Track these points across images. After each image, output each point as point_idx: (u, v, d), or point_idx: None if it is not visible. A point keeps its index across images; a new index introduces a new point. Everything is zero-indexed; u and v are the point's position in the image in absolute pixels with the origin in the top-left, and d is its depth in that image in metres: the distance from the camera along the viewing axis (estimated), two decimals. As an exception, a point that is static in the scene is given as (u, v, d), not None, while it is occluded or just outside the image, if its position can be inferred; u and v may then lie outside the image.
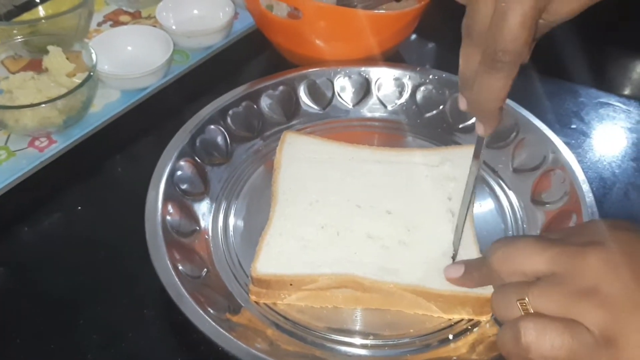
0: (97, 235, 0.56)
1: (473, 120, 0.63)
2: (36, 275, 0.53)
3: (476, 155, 0.50)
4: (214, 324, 0.44)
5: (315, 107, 0.65)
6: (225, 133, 0.60)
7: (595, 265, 0.37)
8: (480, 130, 0.47)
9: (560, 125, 0.65)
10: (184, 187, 0.55)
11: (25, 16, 0.73)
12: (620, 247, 0.37)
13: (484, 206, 0.57)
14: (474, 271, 0.46)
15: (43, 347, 0.48)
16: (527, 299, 0.38)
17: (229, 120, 0.61)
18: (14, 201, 0.58)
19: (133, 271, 0.53)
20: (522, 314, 0.38)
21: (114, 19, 0.77)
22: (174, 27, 0.71)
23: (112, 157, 0.64)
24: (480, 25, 0.42)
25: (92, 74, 0.61)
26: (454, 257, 0.50)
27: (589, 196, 0.53)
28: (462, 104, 0.48)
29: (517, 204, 0.57)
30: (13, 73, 0.66)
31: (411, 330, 0.48)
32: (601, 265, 0.37)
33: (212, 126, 0.60)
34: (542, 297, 0.38)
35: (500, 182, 0.59)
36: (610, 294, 0.36)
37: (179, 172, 0.55)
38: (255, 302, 0.49)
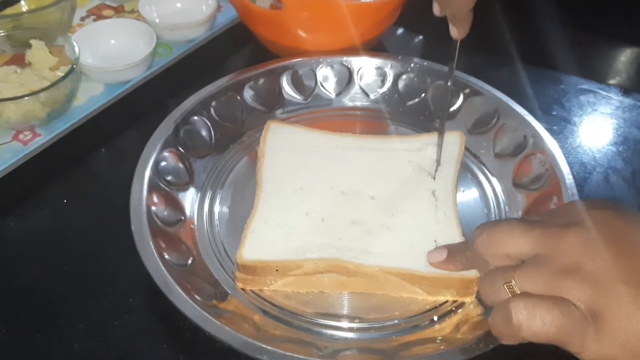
0: (83, 227, 0.56)
1: (454, 107, 0.63)
2: (22, 268, 0.53)
3: (451, 58, 0.56)
4: (201, 310, 0.44)
5: (299, 97, 0.65)
6: (209, 124, 0.60)
7: (576, 244, 0.37)
8: (454, 33, 0.51)
9: (542, 112, 0.65)
10: (168, 177, 0.55)
11: (8, 11, 0.72)
12: (598, 226, 0.38)
13: (466, 192, 0.57)
14: (458, 255, 0.46)
15: (30, 338, 0.48)
16: (513, 281, 0.39)
17: (212, 111, 0.61)
18: (-2, 193, 0.58)
19: (119, 262, 0.53)
20: (510, 296, 0.38)
21: (97, 14, 0.76)
22: (157, 21, 0.71)
23: (96, 150, 0.63)
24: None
25: (74, 66, 0.60)
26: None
27: (569, 178, 0.53)
28: (436, 9, 0.53)
29: (500, 188, 0.57)
30: (-4, 68, 0.66)
31: (396, 313, 0.48)
32: (581, 243, 0.37)
33: (196, 117, 0.60)
34: (527, 278, 0.38)
35: (483, 167, 0.59)
36: (592, 270, 0.36)
37: (163, 163, 0.55)
38: (242, 289, 0.49)
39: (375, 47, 0.70)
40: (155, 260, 0.46)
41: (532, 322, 0.36)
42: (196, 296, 0.46)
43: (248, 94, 0.63)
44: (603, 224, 0.38)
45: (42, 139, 0.61)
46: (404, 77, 0.66)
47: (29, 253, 0.54)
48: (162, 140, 0.56)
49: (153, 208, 0.51)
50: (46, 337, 0.48)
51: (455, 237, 0.50)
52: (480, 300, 0.48)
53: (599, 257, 0.36)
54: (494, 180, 0.58)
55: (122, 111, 0.66)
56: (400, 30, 0.77)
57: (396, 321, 0.48)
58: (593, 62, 0.75)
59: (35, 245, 0.55)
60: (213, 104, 0.61)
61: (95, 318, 0.49)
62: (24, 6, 0.74)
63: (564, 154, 0.55)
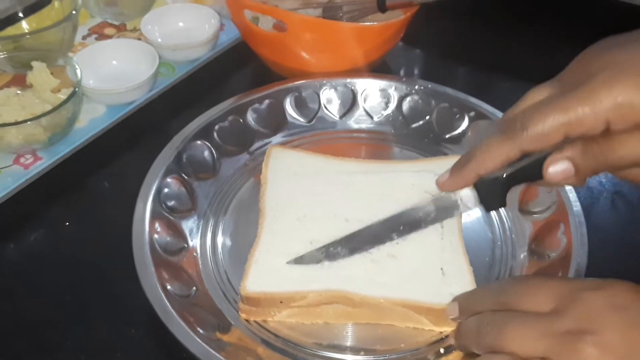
0: (84, 252, 0.55)
1: (459, 130, 0.63)
2: (22, 295, 0.53)
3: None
4: (203, 344, 0.43)
5: (302, 119, 0.65)
6: (212, 148, 0.60)
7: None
8: (441, 179, 0.48)
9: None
10: (171, 204, 0.54)
11: (9, 31, 0.72)
12: (615, 340, 0.37)
13: (472, 216, 0.57)
14: (466, 340, 0.44)
15: None
16: None
17: (215, 135, 0.60)
18: (-2, 218, 0.57)
19: (120, 290, 0.52)
20: None
21: (99, 32, 0.76)
22: (159, 40, 0.70)
23: (98, 173, 0.63)
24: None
25: (77, 89, 0.60)
26: None
27: (576, 205, 0.53)
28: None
29: (505, 213, 0.57)
30: (-4, 89, 0.65)
31: (402, 345, 0.48)
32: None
33: (199, 141, 0.59)
34: None
35: (488, 192, 0.59)
36: None
37: (165, 190, 0.55)
38: (246, 320, 0.48)
39: (378, 66, 0.70)
40: (157, 292, 0.46)
41: None
42: (199, 329, 0.45)
43: (251, 116, 0.63)
44: (623, 336, 0.37)
45: (44, 162, 0.60)
46: (408, 99, 0.65)
47: (29, 279, 0.54)
48: (164, 166, 0.56)
49: (155, 236, 0.51)
50: (47, 368, 0.47)
51: (461, 265, 0.50)
52: None
53: None
54: (499, 206, 0.58)
55: (123, 132, 0.65)
56: (404, 49, 0.76)
57: (402, 353, 0.47)
58: None
59: (35, 271, 0.54)
60: (216, 127, 0.61)
61: (97, 349, 0.49)
62: (24, 25, 0.74)
63: (570, 180, 0.55)
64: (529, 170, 0.43)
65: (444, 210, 0.50)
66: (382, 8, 0.65)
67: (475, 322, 0.43)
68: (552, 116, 0.38)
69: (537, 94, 0.42)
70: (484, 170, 0.44)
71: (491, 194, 0.47)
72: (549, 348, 0.37)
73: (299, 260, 0.49)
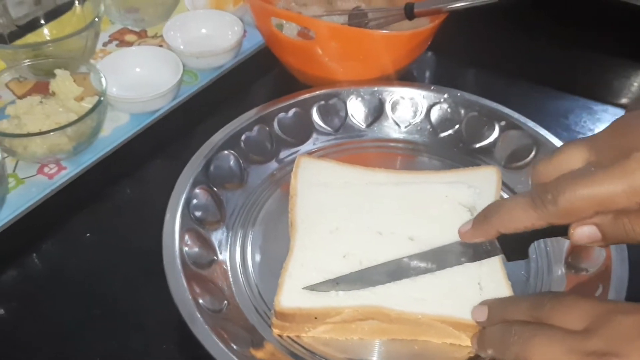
0: (109, 264, 0.55)
1: (490, 140, 0.62)
2: (47, 308, 0.52)
3: None
4: (239, 362, 0.43)
5: (329, 128, 0.64)
6: (239, 158, 0.59)
7: None
8: (463, 228, 0.47)
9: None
10: (200, 215, 0.54)
11: (30, 37, 0.72)
12: None
13: (504, 229, 0.56)
14: (489, 347, 0.44)
15: None
16: None
17: (242, 144, 0.60)
18: (22, 230, 0.57)
19: (149, 302, 0.51)
20: None
21: (119, 39, 0.75)
22: (181, 47, 0.70)
23: (122, 182, 0.62)
24: (553, 168, 0.42)
25: (102, 99, 0.60)
26: None
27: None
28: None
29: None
30: (19, 96, 0.65)
31: (439, 362, 0.47)
32: None
33: (226, 151, 0.58)
34: None
35: (521, 203, 0.58)
36: None
37: (194, 201, 0.54)
38: (279, 335, 0.48)
39: (404, 75, 0.69)
40: (191, 308, 0.45)
41: None
42: (233, 345, 0.44)
43: (278, 125, 0.62)
44: None
45: (68, 172, 0.60)
46: (436, 107, 0.64)
47: (54, 292, 0.53)
48: (192, 176, 0.55)
49: (186, 249, 0.50)
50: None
51: (499, 280, 0.49)
52: None
53: None
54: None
55: (147, 141, 0.65)
56: (430, 57, 0.76)
57: (440, 370, 0.46)
58: (631, 91, 0.73)
59: (60, 284, 0.54)
60: (243, 137, 0.60)
61: None
62: (45, 32, 0.73)
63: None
64: (555, 228, 0.42)
65: (473, 255, 0.49)
66: (410, 15, 0.64)
67: (502, 329, 0.42)
68: (585, 195, 0.38)
69: (572, 157, 0.41)
70: (506, 230, 0.44)
71: (513, 246, 0.46)
72: None
73: (338, 287, 0.48)
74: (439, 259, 0.49)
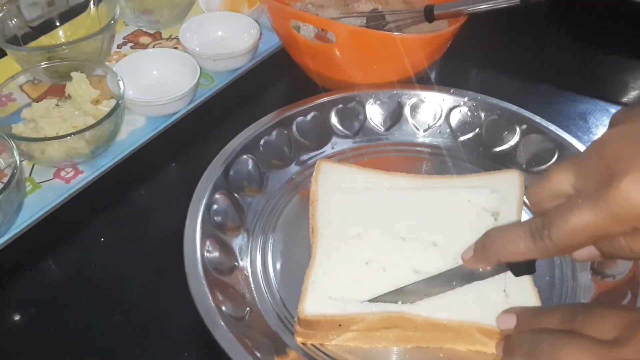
0: (127, 269, 0.55)
1: (511, 144, 0.62)
2: (65, 314, 0.51)
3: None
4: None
5: (347, 132, 0.64)
6: (258, 162, 0.59)
7: None
8: (466, 255, 0.48)
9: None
10: (220, 221, 0.53)
11: (44, 39, 0.72)
12: None
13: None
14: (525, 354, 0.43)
15: None
16: None
17: (261, 148, 0.59)
18: (38, 235, 0.56)
19: (169, 309, 0.51)
20: None
21: (134, 41, 0.75)
22: (197, 50, 0.69)
23: (139, 187, 0.62)
24: (544, 194, 0.42)
25: (120, 102, 0.59)
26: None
27: None
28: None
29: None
30: (34, 99, 0.64)
31: (466, 369, 0.46)
32: None
33: (245, 156, 0.58)
34: None
35: (544, 209, 0.58)
36: None
37: (215, 206, 0.54)
38: (302, 343, 0.47)
39: (422, 78, 0.68)
40: (215, 316, 0.45)
41: None
42: (257, 353, 0.44)
43: (296, 129, 0.62)
44: None
45: (85, 176, 0.59)
46: (456, 111, 0.64)
47: (71, 298, 0.53)
48: (212, 182, 0.55)
49: (207, 255, 0.50)
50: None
51: (525, 287, 0.48)
52: None
53: None
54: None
55: (164, 144, 0.65)
56: (448, 61, 0.75)
57: (466, 377, 0.46)
58: None
59: (80, 290, 0.53)
60: (262, 141, 0.59)
61: None
62: (60, 33, 0.73)
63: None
64: None
65: (480, 274, 0.49)
66: (430, 18, 0.63)
67: (531, 338, 0.42)
68: (577, 230, 0.38)
69: (560, 182, 0.41)
70: (505, 259, 0.44)
71: (519, 263, 0.46)
72: None
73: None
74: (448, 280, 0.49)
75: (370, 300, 0.47)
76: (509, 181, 0.57)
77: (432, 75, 0.72)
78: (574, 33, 0.77)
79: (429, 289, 0.48)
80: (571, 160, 0.42)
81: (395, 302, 0.47)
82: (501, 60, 0.76)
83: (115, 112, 0.58)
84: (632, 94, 0.71)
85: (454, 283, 0.48)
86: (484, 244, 0.46)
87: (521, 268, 0.46)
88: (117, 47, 0.74)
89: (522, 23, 0.75)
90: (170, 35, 0.75)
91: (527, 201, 0.56)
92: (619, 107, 0.68)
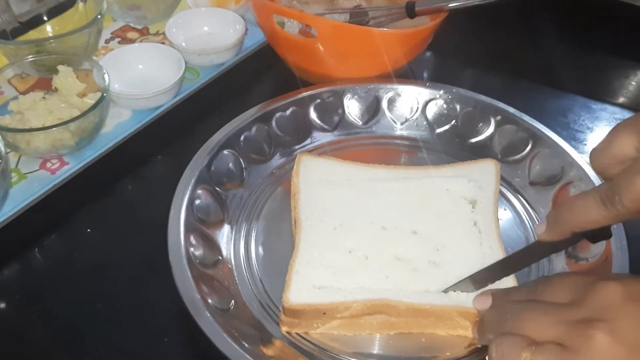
0: (111, 259, 0.50)
1: (486, 134, 0.58)
2: (50, 302, 0.48)
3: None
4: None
5: (326, 126, 0.60)
6: (239, 157, 0.54)
7: (602, 348, 0.34)
8: (540, 229, 0.43)
9: (577, 142, 0.60)
10: (203, 215, 0.49)
11: (32, 34, 0.66)
12: (628, 330, 0.34)
13: (505, 221, 0.52)
14: (487, 334, 0.41)
15: None
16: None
17: (241, 144, 0.55)
18: (24, 225, 0.52)
19: (150, 298, 0.48)
20: None
21: (121, 36, 0.70)
22: (184, 45, 0.64)
23: (123, 179, 0.57)
24: (609, 160, 0.39)
25: (105, 95, 0.54)
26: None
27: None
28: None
29: (537, 217, 0.52)
30: (21, 92, 0.59)
31: (448, 353, 0.43)
32: (607, 348, 0.34)
33: (226, 151, 0.54)
34: None
35: (519, 196, 0.54)
36: None
37: (197, 201, 0.49)
38: (287, 332, 0.43)
39: (403, 74, 0.65)
40: (201, 308, 0.41)
41: None
42: (244, 343, 0.40)
43: (276, 124, 0.57)
44: (636, 326, 0.34)
45: (71, 167, 0.55)
46: (432, 104, 0.60)
47: (56, 286, 0.49)
48: (194, 177, 0.50)
49: (191, 249, 0.46)
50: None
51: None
52: None
53: None
54: (531, 209, 0.53)
55: (149, 137, 0.60)
56: (429, 56, 0.71)
57: (448, 362, 0.43)
58: (629, 90, 0.69)
59: (62, 278, 0.49)
60: (242, 137, 0.55)
61: (131, 358, 0.44)
62: (48, 28, 0.68)
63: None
64: None
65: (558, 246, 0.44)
66: (412, 14, 0.59)
67: (498, 311, 0.41)
68: None
69: (623, 144, 0.38)
70: (579, 229, 0.40)
71: (594, 230, 0.41)
72: (562, 334, 0.35)
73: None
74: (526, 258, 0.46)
75: (444, 291, 0.44)
76: (485, 170, 0.53)
77: (415, 71, 0.68)
78: (554, 30, 0.73)
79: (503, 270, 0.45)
80: (630, 122, 0.38)
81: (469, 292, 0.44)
82: (481, 57, 0.72)
83: (100, 104, 0.54)
84: (612, 91, 0.67)
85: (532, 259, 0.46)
86: (555, 217, 0.42)
87: (597, 234, 0.42)
88: (105, 42, 0.69)
89: (503, 20, 0.71)
90: (158, 30, 0.70)
91: (501, 189, 0.54)
92: (599, 104, 0.65)
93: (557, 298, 0.38)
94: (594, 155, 0.40)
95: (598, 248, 0.47)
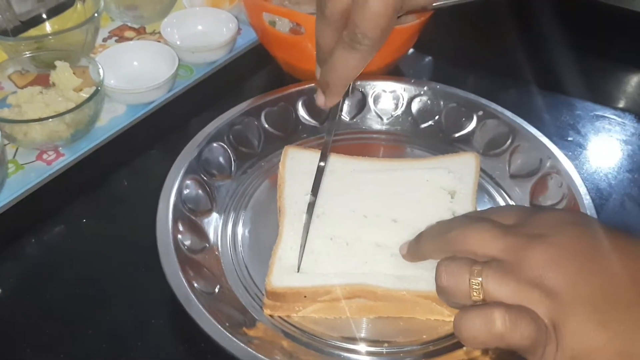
0: (104, 248, 0.51)
1: (468, 129, 0.59)
2: (44, 288, 0.48)
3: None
4: (235, 339, 0.39)
5: (314, 121, 0.60)
6: (228, 150, 0.55)
7: (542, 259, 0.35)
8: (320, 101, 0.46)
9: (558, 137, 0.60)
10: (191, 204, 0.50)
11: (32, 32, 0.67)
12: (567, 242, 0.36)
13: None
14: (428, 242, 0.42)
15: (53, 358, 0.43)
16: (480, 279, 0.36)
17: (231, 137, 0.55)
18: (21, 214, 0.52)
19: (140, 284, 0.48)
20: (474, 293, 0.36)
21: (119, 35, 0.70)
22: (178, 43, 0.65)
23: (118, 171, 0.58)
24: (335, 6, 0.41)
25: (99, 88, 0.55)
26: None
27: (586, 199, 0.49)
28: (318, 73, 0.47)
29: (516, 208, 0.53)
30: (20, 88, 0.60)
31: (424, 336, 0.43)
32: (547, 259, 0.35)
33: (215, 143, 0.54)
34: (495, 282, 0.36)
35: (499, 189, 0.54)
36: (554, 285, 0.34)
37: (186, 191, 0.50)
38: (270, 315, 0.44)
39: (391, 71, 0.65)
40: (185, 290, 0.41)
41: (513, 334, 0.34)
42: (227, 324, 0.40)
43: (265, 119, 0.58)
44: (572, 241, 0.36)
45: (66, 159, 0.55)
46: (417, 100, 0.61)
47: (51, 272, 0.49)
48: (183, 168, 0.51)
49: (179, 236, 0.46)
50: (70, 357, 0.43)
51: None
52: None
53: (561, 274, 0.35)
54: (510, 201, 0.53)
55: (143, 131, 0.60)
56: (416, 54, 0.72)
57: (424, 344, 0.43)
58: (607, 88, 0.69)
59: (57, 265, 0.50)
60: (232, 130, 0.55)
61: (118, 339, 0.45)
62: (48, 27, 0.69)
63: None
64: None
65: None
66: (395, 12, 0.60)
67: (446, 223, 0.42)
68: None
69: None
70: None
71: None
72: (505, 248, 0.37)
73: None
74: None
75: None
76: (466, 162, 0.54)
77: (401, 68, 0.68)
78: (539, 30, 0.73)
79: None
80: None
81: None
82: (467, 55, 0.73)
83: (95, 97, 0.54)
84: (593, 90, 0.68)
85: None
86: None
87: None
88: (103, 41, 0.69)
89: (489, 19, 0.72)
90: (154, 29, 0.71)
91: (482, 182, 0.54)
92: (580, 102, 0.66)
93: (504, 220, 0.39)
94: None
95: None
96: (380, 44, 0.41)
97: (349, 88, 0.46)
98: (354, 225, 0.48)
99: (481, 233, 0.38)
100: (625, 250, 0.35)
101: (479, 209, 0.51)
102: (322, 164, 0.50)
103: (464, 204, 0.50)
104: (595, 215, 0.48)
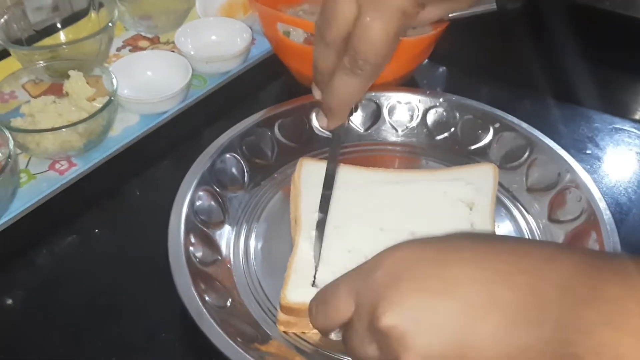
0: (116, 259, 0.50)
1: (485, 142, 0.57)
2: (55, 298, 0.47)
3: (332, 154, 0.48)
4: (245, 354, 0.38)
5: (327, 133, 0.58)
6: (241, 161, 0.54)
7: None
8: (323, 123, 0.45)
9: (576, 150, 0.58)
10: (203, 217, 0.48)
11: (47, 41, 0.66)
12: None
13: (501, 227, 0.51)
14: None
15: None
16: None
17: (244, 148, 0.54)
18: (33, 224, 0.51)
19: (151, 296, 0.47)
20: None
21: (133, 44, 0.70)
22: (192, 53, 0.64)
23: (130, 181, 0.57)
24: (336, 31, 0.40)
25: (112, 98, 0.54)
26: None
27: (606, 214, 0.47)
28: (317, 94, 0.46)
29: (534, 223, 0.51)
30: (34, 97, 0.59)
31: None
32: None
33: (228, 154, 0.53)
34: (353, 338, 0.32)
35: (516, 202, 0.53)
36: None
37: (198, 202, 0.49)
38: (284, 332, 0.42)
39: (407, 82, 0.64)
40: (196, 303, 0.40)
41: None
42: (238, 339, 0.39)
43: (279, 130, 0.56)
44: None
45: (78, 168, 0.54)
46: (432, 111, 0.59)
47: (62, 283, 0.48)
48: (196, 179, 0.50)
49: (191, 248, 0.45)
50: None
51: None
52: None
53: None
54: (528, 215, 0.52)
55: (156, 142, 0.59)
56: (431, 65, 0.70)
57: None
58: (626, 100, 0.67)
59: (68, 276, 0.49)
60: (245, 141, 0.54)
61: (128, 351, 0.43)
62: (62, 36, 0.68)
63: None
64: None
65: None
66: (411, 23, 0.59)
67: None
68: None
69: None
70: None
71: None
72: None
73: None
74: None
75: None
76: (484, 174, 0.52)
77: (416, 79, 0.67)
78: (557, 41, 0.72)
79: None
80: None
81: None
82: (483, 66, 0.71)
83: (108, 107, 0.53)
84: (611, 102, 0.66)
85: None
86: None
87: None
88: (117, 50, 0.68)
89: (504, 30, 0.70)
90: (168, 39, 0.70)
91: (499, 196, 0.53)
92: (598, 114, 0.64)
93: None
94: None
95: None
96: (382, 68, 0.40)
97: (352, 108, 0.46)
98: (371, 238, 0.47)
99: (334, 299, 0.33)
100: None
101: (496, 223, 0.50)
102: (327, 192, 0.48)
103: (483, 216, 0.49)
104: (615, 231, 0.46)
